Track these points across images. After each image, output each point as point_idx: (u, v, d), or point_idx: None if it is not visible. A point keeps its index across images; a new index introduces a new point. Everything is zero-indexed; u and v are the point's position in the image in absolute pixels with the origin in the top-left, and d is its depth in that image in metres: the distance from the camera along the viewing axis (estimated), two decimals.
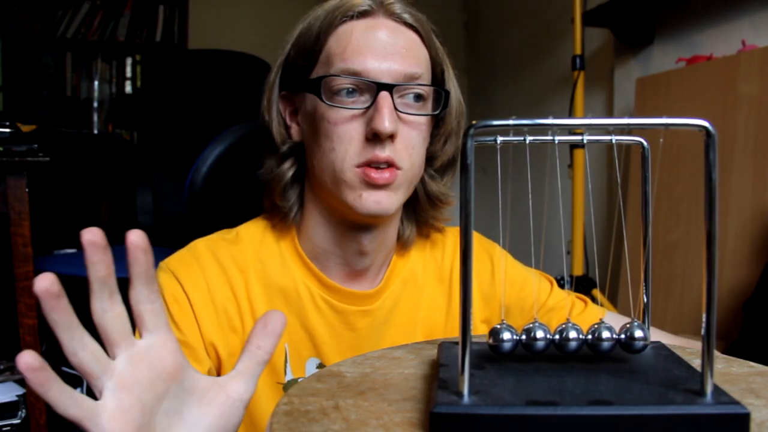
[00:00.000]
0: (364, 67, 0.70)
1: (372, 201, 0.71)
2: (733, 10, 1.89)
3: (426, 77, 0.74)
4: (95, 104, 3.10)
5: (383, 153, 0.70)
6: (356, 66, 0.70)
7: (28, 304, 1.40)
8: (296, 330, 0.77)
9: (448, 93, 0.77)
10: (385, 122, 0.68)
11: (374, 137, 0.70)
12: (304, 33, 0.75)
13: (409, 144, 0.72)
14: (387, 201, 0.72)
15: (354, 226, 0.76)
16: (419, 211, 0.83)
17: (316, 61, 0.74)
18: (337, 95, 0.71)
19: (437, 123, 0.80)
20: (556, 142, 0.45)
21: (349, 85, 0.71)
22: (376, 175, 0.70)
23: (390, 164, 0.71)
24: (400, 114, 0.72)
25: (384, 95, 0.70)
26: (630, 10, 2.11)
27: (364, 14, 0.73)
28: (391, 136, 0.70)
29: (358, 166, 0.71)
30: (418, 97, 0.73)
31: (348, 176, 0.71)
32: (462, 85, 0.82)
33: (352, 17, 0.73)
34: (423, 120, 0.74)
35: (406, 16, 0.74)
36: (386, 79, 0.71)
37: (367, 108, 0.71)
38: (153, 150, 2.45)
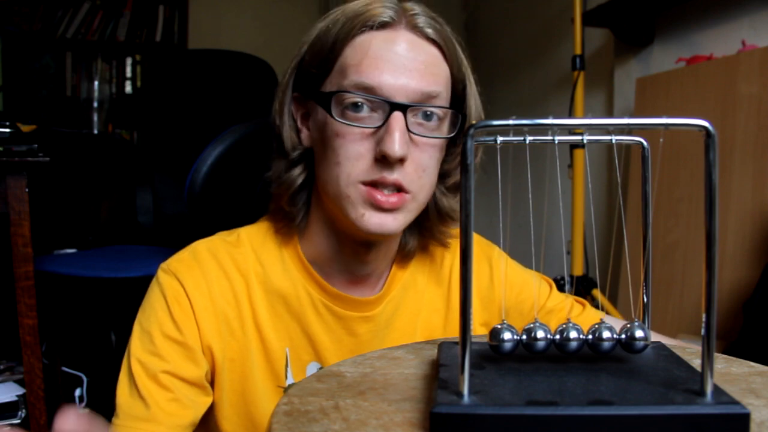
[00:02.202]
0: (378, 83, 0.67)
1: (375, 222, 0.69)
2: (733, 10, 1.89)
3: (444, 96, 0.71)
4: (95, 104, 3.10)
5: (391, 176, 0.67)
6: (370, 81, 0.67)
7: (28, 304, 1.40)
8: (297, 335, 0.77)
9: (464, 116, 0.74)
10: (395, 146, 0.65)
11: (383, 159, 0.67)
12: (321, 38, 0.72)
13: (419, 167, 0.70)
14: (392, 224, 0.69)
15: (357, 238, 0.74)
16: (425, 223, 0.80)
17: (331, 70, 0.71)
18: (349, 110, 0.68)
19: (454, 141, 0.77)
20: (556, 142, 0.45)
21: (360, 101, 0.68)
22: (382, 198, 0.68)
23: (398, 188, 0.68)
24: (412, 135, 0.69)
25: (397, 116, 0.67)
26: (630, 10, 2.11)
27: (384, 25, 0.69)
28: (401, 160, 0.67)
29: (363, 184, 0.68)
30: (434, 117, 0.70)
31: (351, 192, 0.69)
32: None
33: (371, 28, 0.69)
34: (437, 141, 0.71)
35: (429, 31, 0.70)
36: (401, 98, 0.67)
37: (379, 127, 0.68)
38: (153, 150, 2.44)
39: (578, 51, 2.13)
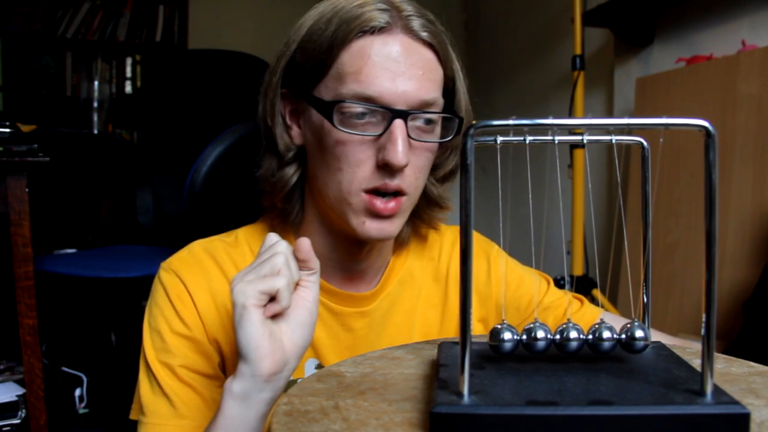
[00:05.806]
0: (378, 93, 0.68)
1: (375, 229, 0.71)
2: (733, 10, 1.89)
3: (440, 101, 0.72)
4: (95, 104, 3.10)
5: (393, 182, 0.69)
6: (371, 91, 0.68)
7: (28, 304, 1.40)
8: None
9: (461, 120, 0.75)
10: (399, 155, 0.67)
11: (386, 167, 0.68)
12: (314, 38, 0.71)
13: (417, 169, 0.71)
14: (390, 228, 0.71)
15: (352, 238, 0.75)
16: (416, 210, 0.81)
17: (326, 73, 0.71)
18: (350, 118, 0.69)
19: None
20: (556, 142, 0.45)
21: (362, 110, 0.68)
22: (381, 206, 0.69)
23: (398, 192, 0.70)
24: (411, 141, 0.70)
25: (398, 123, 0.68)
26: (630, 10, 2.11)
27: (380, 30, 0.69)
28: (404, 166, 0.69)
29: (366, 192, 0.70)
30: (430, 121, 0.72)
31: (354, 200, 0.70)
32: None
33: (367, 32, 0.69)
34: (433, 144, 0.73)
35: (425, 34, 0.70)
36: (400, 105, 0.68)
37: (380, 135, 0.68)
38: (153, 150, 2.45)
39: (578, 51, 2.13)
